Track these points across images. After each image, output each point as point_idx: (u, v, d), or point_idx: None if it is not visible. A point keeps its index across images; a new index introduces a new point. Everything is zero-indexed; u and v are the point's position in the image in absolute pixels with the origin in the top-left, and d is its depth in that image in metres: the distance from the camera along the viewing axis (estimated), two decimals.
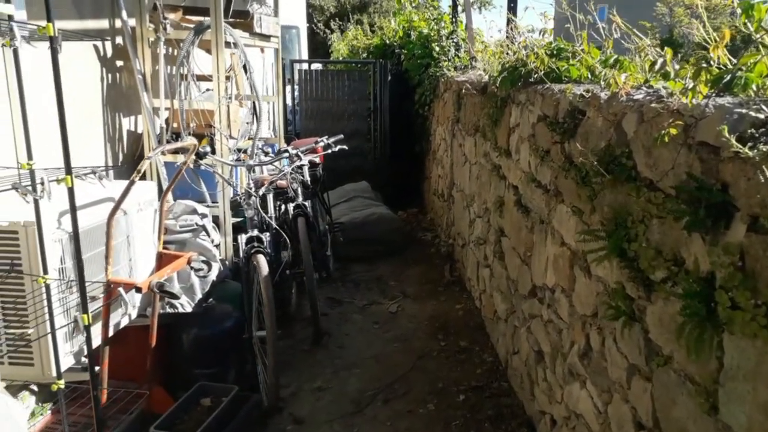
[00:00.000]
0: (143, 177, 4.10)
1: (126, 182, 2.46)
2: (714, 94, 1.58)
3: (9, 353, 2.27)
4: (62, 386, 2.24)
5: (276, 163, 4.54)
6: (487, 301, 4.02)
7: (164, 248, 3.03)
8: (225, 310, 3.29)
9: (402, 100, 7.50)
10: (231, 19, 4.35)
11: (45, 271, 2.22)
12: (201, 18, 4.28)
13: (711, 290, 1.37)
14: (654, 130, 1.65)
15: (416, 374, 3.52)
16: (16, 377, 2.32)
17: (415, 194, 7.69)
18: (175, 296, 2.54)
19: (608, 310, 1.91)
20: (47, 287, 2.22)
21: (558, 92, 2.58)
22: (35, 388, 2.95)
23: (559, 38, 3.27)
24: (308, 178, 4.50)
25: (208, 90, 4.75)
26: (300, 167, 4.31)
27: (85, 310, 2.12)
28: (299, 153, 3.98)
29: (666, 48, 1.95)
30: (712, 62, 1.65)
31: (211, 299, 3.25)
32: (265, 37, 5.00)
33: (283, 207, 4.22)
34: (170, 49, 4.44)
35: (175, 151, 4.08)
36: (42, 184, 1.92)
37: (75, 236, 2.04)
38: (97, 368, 2.43)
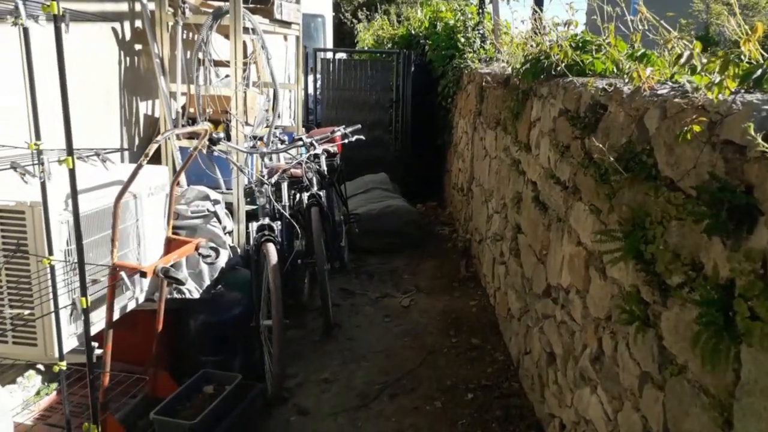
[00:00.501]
0: (158, 161, 4.10)
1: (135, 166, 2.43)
2: (742, 90, 1.48)
3: (13, 332, 2.26)
4: (63, 368, 2.23)
5: (293, 152, 4.51)
6: (501, 298, 3.94)
7: (174, 233, 3.01)
8: (233, 298, 3.26)
9: (425, 91, 7.41)
10: (251, 5, 4.31)
11: (50, 253, 2.21)
12: (220, 3, 4.25)
13: (730, 298, 1.29)
14: (677, 127, 1.56)
15: (425, 370, 3.46)
16: (19, 356, 2.32)
17: (436, 187, 7.61)
18: (180, 282, 2.51)
19: (622, 313, 1.83)
20: (52, 268, 2.20)
21: (580, 85, 2.49)
22: (41, 367, 2.97)
23: (585, 31, 3.16)
24: (325, 168, 4.46)
25: (227, 76, 4.73)
26: (316, 156, 4.26)
27: (83, 293, 2.10)
28: (313, 141, 3.93)
29: (695, 41, 1.85)
30: (742, 56, 1.55)
31: (220, 286, 3.22)
32: (286, 24, 4.95)
33: (297, 196, 4.19)
34: (189, 34, 4.42)
35: (191, 136, 4.06)
36: (42, 164, 1.89)
37: (75, 218, 2.01)
38: (101, 351, 2.41)
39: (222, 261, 3.23)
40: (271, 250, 3.17)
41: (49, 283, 2.20)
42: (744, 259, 1.22)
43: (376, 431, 2.92)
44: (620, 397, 1.94)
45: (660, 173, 1.68)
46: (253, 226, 3.41)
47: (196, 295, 3.00)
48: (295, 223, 3.70)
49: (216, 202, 3.60)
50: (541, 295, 2.94)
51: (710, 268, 1.38)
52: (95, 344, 2.43)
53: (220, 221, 3.47)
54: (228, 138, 3.99)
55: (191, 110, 4.22)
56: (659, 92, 1.79)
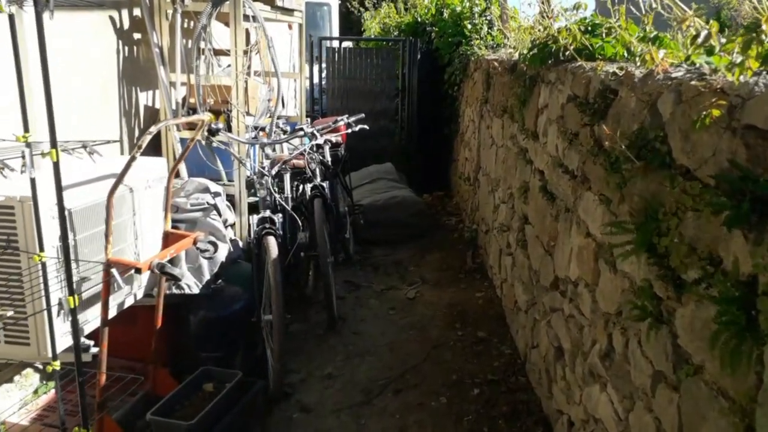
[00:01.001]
0: (158, 153, 4.02)
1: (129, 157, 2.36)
2: (765, 72, 1.38)
3: (5, 331, 2.20)
4: (57, 367, 2.17)
5: (296, 143, 4.42)
6: (508, 290, 3.85)
7: (174, 227, 2.94)
8: (234, 292, 3.19)
9: (431, 79, 7.29)
10: None
11: (41, 249, 2.14)
12: None
13: (752, 296, 1.20)
14: (693, 112, 1.46)
15: (430, 365, 3.39)
16: (12, 356, 2.27)
17: (443, 177, 7.51)
18: (176, 278, 2.44)
19: (633, 309, 1.74)
20: (43, 265, 2.14)
21: (589, 70, 2.38)
22: (39, 366, 2.92)
23: (595, 13, 3.05)
24: (329, 159, 4.37)
25: (229, 66, 4.64)
26: (320, 146, 4.17)
27: (71, 292, 2.03)
28: (315, 132, 3.84)
29: (712, 21, 1.75)
30: (764, 35, 1.45)
31: (220, 281, 3.15)
32: (288, 11, 4.85)
33: (300, 187, 4.11)
34: (188, 22, 4.33)
35: (192, 127, 3.98)
36: (23, 157, 1.82)
37: (60, 213, 1.95)
38: (96, 350, 2.35)
39: (222, 255, 3.15)
40: (272, 243, 3.10)
41: (41, 280, 2.14)
42: None
43: (380, 428, 2.85)
44: (631, 397, 1.86)
45: (675, 161, 1.58)
46: (254, 218, 3.34)
47: (196, 290, 2.93)
48: (296, 216, 3.62)
49: (216, 194, 3.52)
50: (548, 288, 2.85)
51: (730, 263, 1.28)
52: (91, 342, 2.37)
53: (220, 214, 3.39)
54: (229, 128, 3.91)
55: (192, 100, 4.14)
56: (674, 75, 1.68)
